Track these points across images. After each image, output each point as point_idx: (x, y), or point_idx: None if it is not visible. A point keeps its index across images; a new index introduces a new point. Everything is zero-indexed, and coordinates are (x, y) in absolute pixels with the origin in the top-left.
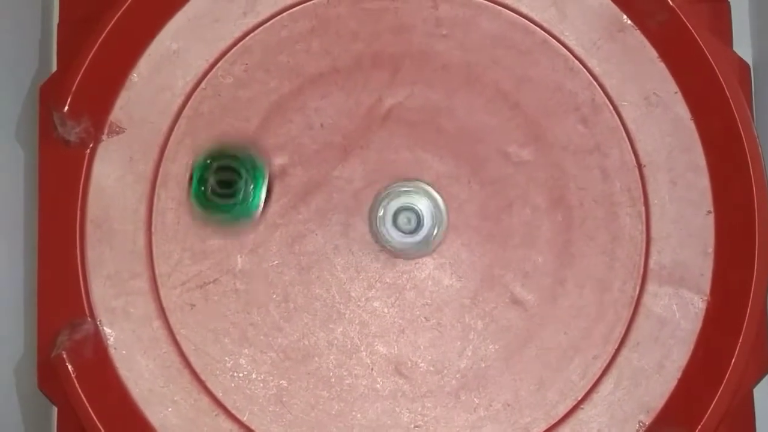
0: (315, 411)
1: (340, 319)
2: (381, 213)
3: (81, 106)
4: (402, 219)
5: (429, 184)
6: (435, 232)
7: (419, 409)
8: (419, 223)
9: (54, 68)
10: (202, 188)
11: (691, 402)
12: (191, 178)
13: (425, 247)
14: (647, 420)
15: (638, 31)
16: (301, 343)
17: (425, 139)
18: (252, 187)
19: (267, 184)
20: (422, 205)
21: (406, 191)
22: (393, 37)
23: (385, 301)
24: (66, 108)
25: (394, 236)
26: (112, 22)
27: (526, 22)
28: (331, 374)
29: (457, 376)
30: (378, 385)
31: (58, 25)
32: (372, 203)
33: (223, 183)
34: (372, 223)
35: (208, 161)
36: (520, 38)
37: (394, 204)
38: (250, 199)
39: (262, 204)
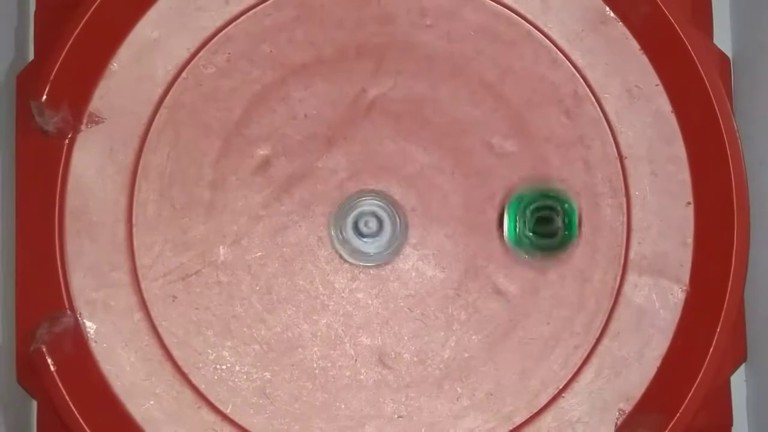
0: (299, 402)
1: (324, 310)
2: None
3: (59, 95)
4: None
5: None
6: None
7: (403, 399)
8: (380, 227)
9: (31, 56)
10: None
11: (670, 390)
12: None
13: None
14: (627, 408)
15: (621, 23)
16: (284, 334)
17: (409, 130)
18: (567, 221)
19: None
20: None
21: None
22: (377, 27)
23: (368, 293)
24: (44, 97)
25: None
26: (91, 9)
27: (510, 13)
28: (314, 366)
29: (441, 366)
30: (362, 376)
31: (35, 12)
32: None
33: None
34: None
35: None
36: (504, 29)
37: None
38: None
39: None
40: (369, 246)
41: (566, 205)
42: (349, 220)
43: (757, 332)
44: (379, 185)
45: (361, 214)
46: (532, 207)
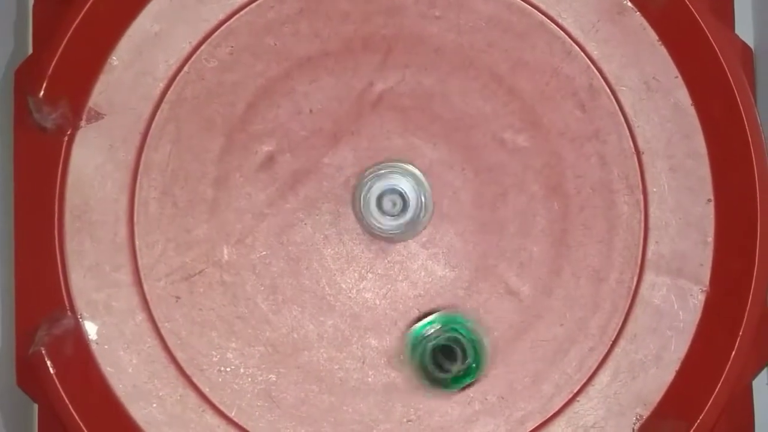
0: (305, 406)
1: (331, 311)
2: (363, 200)
3: (58, 90)
4: (387, 203)
5: (413, 165)
6: (421, 214)
7: (412, 402)
8: (405, 206)
9: (30, 51)
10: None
11: (689, 395)
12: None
13: (412, 230)
14: (645, 413)
15: (638, 13)
16: (290, 336)
17: (417, 124)
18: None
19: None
20: (406, 186)
21: (388, 173)
22: (384, 18)
23: (376, 293)
24: (42, 93)
25: (380, 221)
26: (90, 2)
27: (523, 3)
28: (321, 368)
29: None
30: (370, 379)
31: (34, 5)
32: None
33: (445, 350)
34: (356, 209)
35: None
36: (516, 20)
37: (377, 188)
38: (461, 376)
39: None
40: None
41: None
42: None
43: None
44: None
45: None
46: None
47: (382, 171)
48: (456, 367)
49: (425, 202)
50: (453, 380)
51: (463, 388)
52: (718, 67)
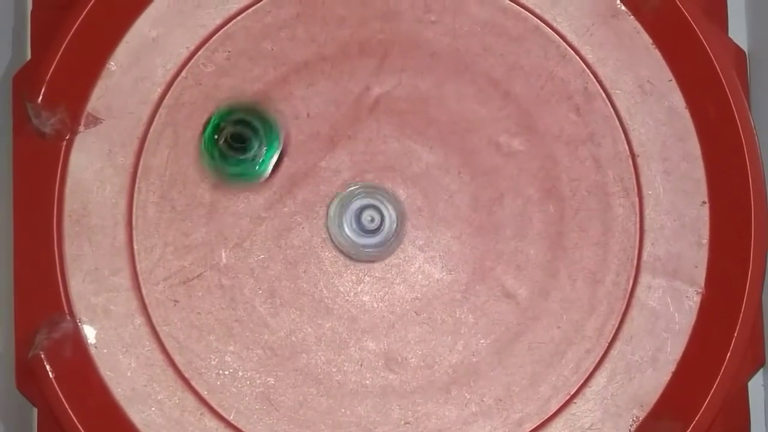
0: (303, 408)
1: (329, 314)
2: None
3: (56, 96)
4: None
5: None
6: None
7: (409, 405)
8: (382, 223)
9: (28, 56)
10: (215, 137)
11: (686, 396)
12: (206, 124)
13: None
14: (641, 414)
15: (632, 16)
16: (288, 339)
17: (414, 128)
18: (265, 149)
19: (279, 153)
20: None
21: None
22: (381, 23)
23: (374, 296)
24: (40, 98)
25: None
26: (88, 8)
27: (518, 7)
28: (319, 371)
29: (448, 371)
30: (367, 381)
31: (32, 12)
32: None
33: (237, 137)
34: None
35: (228, 112)
36: (511, 24)
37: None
38: (260, 161)
39: (270, 169)
40: (366, 239)
41: (272, 135)
42: (349, 214)
43: None
44: (384, 185)
45: (363, 208)
46: (234, 117)
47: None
48: (252, 152)
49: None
50: (260, 164)
51: (274, 170)
52: (711, 70)
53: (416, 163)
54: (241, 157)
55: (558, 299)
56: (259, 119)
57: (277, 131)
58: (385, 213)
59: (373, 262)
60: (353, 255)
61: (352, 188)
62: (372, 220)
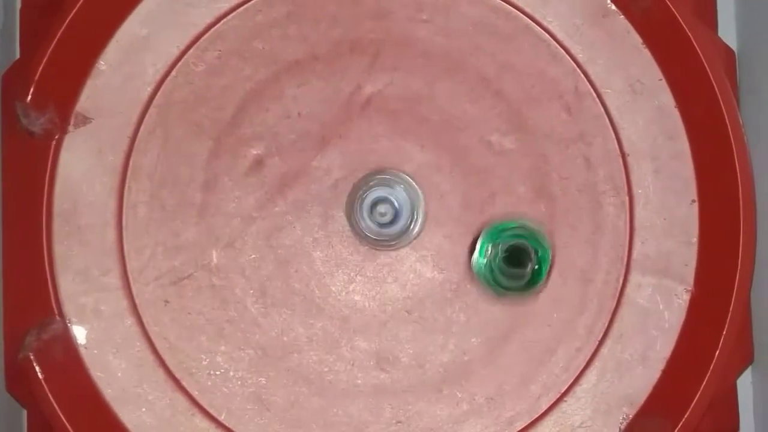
0: (295, 408)
1: (320, 314)
2: (357, 206)
3: (45, 95)
4: (379, 210)
5: (408, 175)
6: (412, 224)
7: (401, 404)
8: (396, 215)
9: (17, 55)
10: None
11: (675, 394)
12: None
13: (404, 239)
14: (631, 412)
15: (622, 16)
16: (279, 339)
17: (405, 128)
18: (536, 267)
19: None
20: (399, 196)
21: (383, 181)
22: (372, 22)
23: (365, 295)
24: (29, 97)
25: (372, 227)
26: (78, 6)
27: (509, 6)
28: (311, 370)
29: (440, 370)
30: (359, 381)
31: (21, 10)
32: (348, 195)
33: (514, 258)
34: (350, 215)
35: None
36: (502, 24)
37: (371, 195)
38: (531, 279)
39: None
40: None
41: (539, 251)
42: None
43: (764, 333)
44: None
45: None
46: (505, 245)
47: (375, 179)
48: (530, 265)
49: (417, 212)
50: (534, 278)
51: (548, 278)
52: (701, 69)
53: (408, 162)
54: (519, 273)
55: (548, 298)
56: (532, 241)
57: (546, 248)
58: (397, 200)
59: (396, 249)
60: (376, 244)
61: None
62: (384, 214)
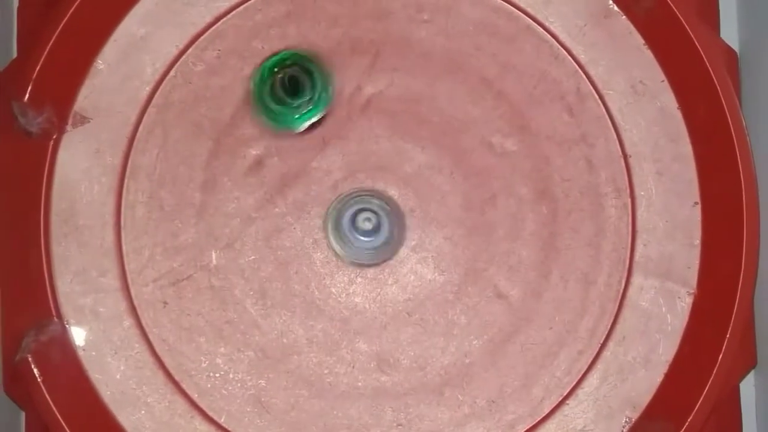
0: (295, 411)
1: (320, 315)
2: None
3: (43, 95)
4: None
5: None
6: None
7: (402, 406)
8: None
9: (14, 54)
10: (275, 70)
11: (678, 397)
12: (273, 55)
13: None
14: (634, 415)
15: (624, 17)
16: (279, 341)
17: (406, 128)
18: (311, 106)
19: (324, 112)
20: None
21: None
22: (372, 22)
23: (366, 297)
24: (26, 97)
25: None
26: (75, 5)
27: (510, 7)
28: (311, 372)
29: (441, 372)
30: (360, 383)
31: (18, 9)
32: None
33: (293, 80)
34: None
35: (299, 56)
36: (503, 24)
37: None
38: (302, 113)
39: (305, 126)
40: (366, 243)
41: (324, 92)
42: (346, 217)
43: (767, 336)
44: (376, 186)
45: (358, 212)
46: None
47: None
48: (301, 99)
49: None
50: (300, 116)
51: (310, 128)
52: (703, 70)
53: (408, 163)
54: (289, 99)
55: (550, 300)
56: (321, 76)
57: (330, 93)
58: (381, 214)
59: (376, 265)
60: (354, 259)
61: (344, 195)
62: (369, 220)
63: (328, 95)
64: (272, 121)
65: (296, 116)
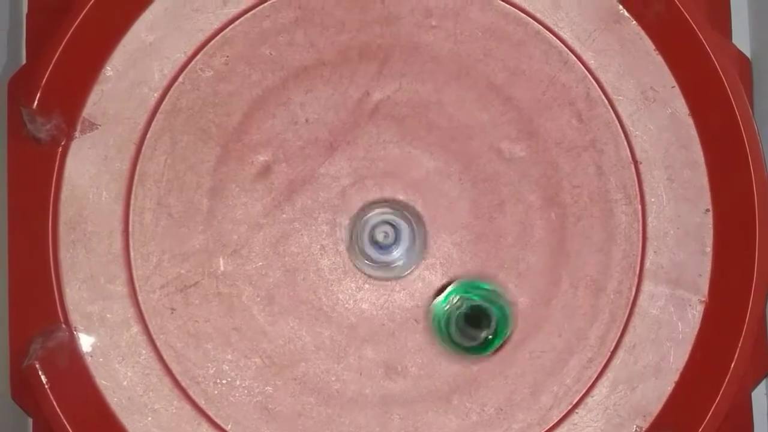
0: (302, 418)
1: (328, 322)
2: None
3: (51, 101)
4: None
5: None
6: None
7: (410, 414)
8: (397, 238)
9: (23, 61)
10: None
11: (689, 406)
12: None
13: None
14: (644, 424)
15: (635, 22)
16: (286, 347)
17: (414, 134)
18: (491, 336)
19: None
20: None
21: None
22: (380, 28)
23: (373, 304)
24: (35, 104)
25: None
26: (84, 12)
27: (519, 12)
28: (318, 380)
29: (449, 380)
30: (367, 391)
31: (27, 15)
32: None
33: (473, 318)
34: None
35: (473, 294)
36: (512, 29)
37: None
38: (485, 345)
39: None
40: (386, 256)
41: (500, 323)
42: (366, 231)
43: None
44: (384, 192)
45: (378, 224)
46: (472, 302)
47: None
48: (485, 332)
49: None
50: (484, 346)
51: (496, 351)
52: (715, 76)
53: (416, 169)
54: (472, 334)
55: (559, 307)
56: (499, 310)
57: (509, 324)
58: (400, 227)
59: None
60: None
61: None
62: (386, 236)
63: (507, 325)
64: (459, 350)
65: (482, 347)
